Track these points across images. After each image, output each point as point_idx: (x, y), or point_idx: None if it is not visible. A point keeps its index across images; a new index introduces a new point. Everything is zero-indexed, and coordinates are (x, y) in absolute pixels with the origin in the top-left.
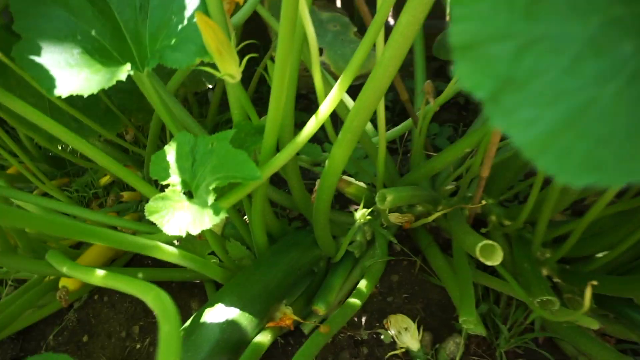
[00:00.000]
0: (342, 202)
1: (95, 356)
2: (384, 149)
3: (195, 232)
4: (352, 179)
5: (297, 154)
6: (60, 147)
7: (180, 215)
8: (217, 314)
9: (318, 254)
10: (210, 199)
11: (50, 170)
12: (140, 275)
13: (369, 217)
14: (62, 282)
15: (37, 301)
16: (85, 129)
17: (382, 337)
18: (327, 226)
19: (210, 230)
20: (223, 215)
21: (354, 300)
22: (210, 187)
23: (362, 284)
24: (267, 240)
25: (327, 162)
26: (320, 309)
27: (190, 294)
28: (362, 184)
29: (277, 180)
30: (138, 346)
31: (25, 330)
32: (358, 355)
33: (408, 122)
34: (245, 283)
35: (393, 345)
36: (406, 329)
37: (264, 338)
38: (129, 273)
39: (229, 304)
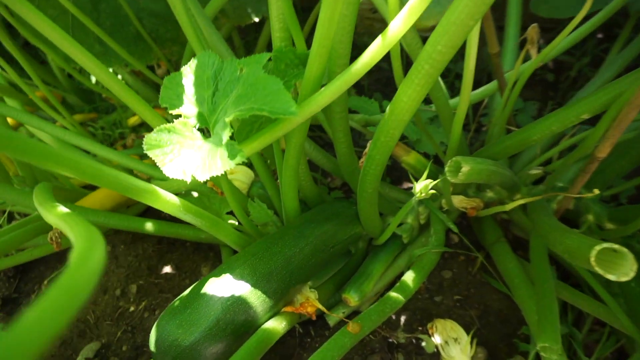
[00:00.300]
0: (395, 177)
1: (85, 310)
2: (467, 101)
3: (202, 177)
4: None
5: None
6: (93, 81)
7: (188, 155)
8: (222, 286)
9: (358, 231)
10: (227, 135)
11: (79, 104)
12: (147, 225)
13: (431, 191)
14: None
15: (32, 238)
16: (111, 55)
17: (424, 344)
18: (375, 199)
19: (230, 184)
20: (240, 159)
21: (395, 295)
22: (228, 119)
23: (408, 276)
24: (298, 206)
25: (387, 110)
26: (352, 298)
27: (204, 258)
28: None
29: (321, 144)
30: (132, 309)
31: (24, 269)
32: None
33: (488, 88)
34: (262, 253)
35: (436, 356)
36: (456, 339)
37: (277, 324)
38: (134, 222)
39: (239, 276)
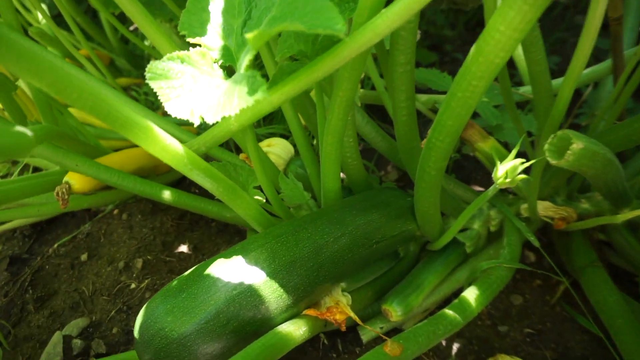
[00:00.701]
0: (463, 172)
1: (84, 281)
2: (578, 73)
3: (213, 117)
4: None
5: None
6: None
7: (200, 92)
8: (231, 271)
9: (411, 229)
10: (247, 60)
11: (127, 68)
12: (165, 193)
13: (520, 176)
14: (68, 177)
15: (43, 192)
16: (156, 5)
17: None
18: (438, 185)
19: (260, 151)
20: (262, 94)
21: (451, 314)
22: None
23: (471, 293)
24: (340, 186)
25: (472, 51)
26: (394, 311)
27: (227, 241)
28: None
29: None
30: (132, 285)
31: (42, 230)
32: None
33: (597, 70)
34: (287, 237)
35: None
36: None
37: (294, 329)
38: (150, 187)
39: (254, 261)
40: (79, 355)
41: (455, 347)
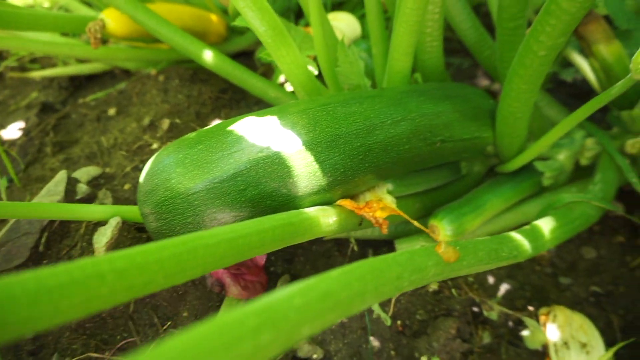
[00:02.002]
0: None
1: (107, 135)
2: None
3: None
4: None
5: None
6: None
7: None
8: (261, 131)
9: (486, 137)
10: None
11: None
12: (207, 54)
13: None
14: (104, 13)
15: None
16: None
17: (525, 332)
18: (537, 86)
19: (324, 17)
20: None
21: (519, 239)
22: None
23: (546, 224)
24: (410, 70)
25: None
26: (443, 229)
27: None
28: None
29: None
30: (154, 145)
31: (79, 85)
32: (469, 338)
33: None
34: (335, 107)
35: (538, 356)
36: (584, 345)
37: (322, 215)
38: (191, 43)
39: (291, 125)
40: (82, 201)
41: (503, 288)
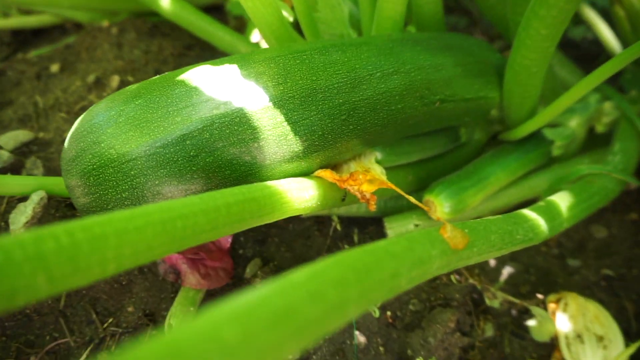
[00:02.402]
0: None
1: (47, 95)
2: None
3: None
4: None
5: None
6: None
7: None
8: (217, 83)
9: (491, 98)
10: None
11: None
12: (168, 1)
13: None
14: None
15: None
16: None
17: (531, 322)
18: (556, 35)
19: None
20: None
21: (534, 218)
22: None
23: (562, 200)
24: (403, 16)
25: None
26: (440, 206)
27: None
28: None
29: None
30: None
31: (24, 40)
32: (469, 332)
33: None
34: (313, 56)
35: (547, 349)
36: (601, 339)
37: (297, 189)
38: None
39: (255, 76)
40: (3, 171)
41: (506, 272)
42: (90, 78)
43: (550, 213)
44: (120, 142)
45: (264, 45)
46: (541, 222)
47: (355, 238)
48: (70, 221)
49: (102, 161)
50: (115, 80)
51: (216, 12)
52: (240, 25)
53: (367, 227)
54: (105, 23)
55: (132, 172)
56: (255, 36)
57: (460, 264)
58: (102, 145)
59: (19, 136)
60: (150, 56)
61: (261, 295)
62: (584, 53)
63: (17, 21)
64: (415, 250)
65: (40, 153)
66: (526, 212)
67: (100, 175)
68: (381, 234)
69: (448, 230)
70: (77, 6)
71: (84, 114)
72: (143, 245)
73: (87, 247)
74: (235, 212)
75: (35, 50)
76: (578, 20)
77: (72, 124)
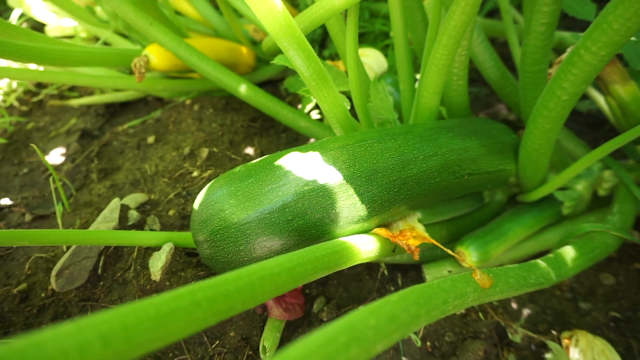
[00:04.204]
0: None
1: (148, 162)
2: None
3: None
4: None
5: None
6: None
7: None
8: (305, 165)
9: (509, 170)
10: None
11: None
12: (242, 87)
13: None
14: (147, 50)
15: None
16: None
17: (549, 356)
18: (559, 125)
19: (358, 58)
20: None
21: (545, 267)
22: None
23: (568, 252)
24: (438, 107)
25: None
26: (469, 255)
27: None
28: None
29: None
30: (195, 173)
31: (115, 112)
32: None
33: None
34: (372, 144)
35: None
36: None
37: (362, 244)
38: (227, 76)
39: (332, 160)
40: (134, 227)
41: (526, 312)
42: (186, 150)
43: (558, 263)
44: (240, 210)
45: (314, 115)
46: (550, 270)
47: (400, 281)
48: (196, 267)
49: (227, 224)
50: (205, 151)
51: (271, 85)
52: (294, 99)
53: (408, 272)
54: (187, 100)
55: (248, 232)
56: (307, 107)
57: (487, 299)
58: (226, 212)
59: (137, 198)
60: (225, 128)
61: (376, 304)
62: (593, 120)
63: (110, 97)
64: (457, 287)
65: (153, 211)
66: (538, 261)
67: (225, 234)
68: (420, 279)
69: (478, 274)
70: (166, 89)
71: (208, 187)
72: (276, 286)
73: (258, 284)
74: (326, 261)
75: (126, 120)
76: (584, 95)
77: (173, 187)
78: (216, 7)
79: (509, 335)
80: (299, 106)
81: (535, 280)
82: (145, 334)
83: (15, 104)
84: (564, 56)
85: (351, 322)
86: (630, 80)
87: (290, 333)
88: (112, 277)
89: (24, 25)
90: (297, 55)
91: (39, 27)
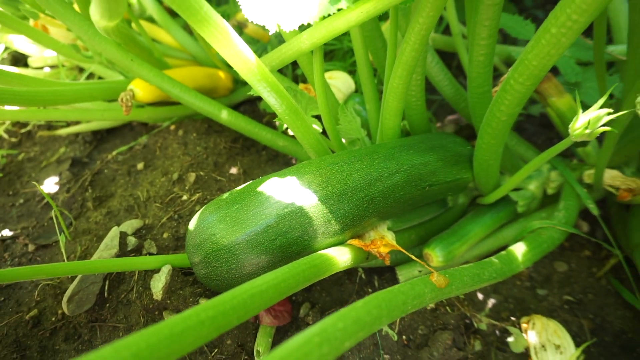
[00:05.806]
0: (524, 135)
1: (139, 187)
2: None
3: (290, 24)
4: None
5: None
6: None
7: None
8: (284, 190)
9: (466, 178)
10: None
11: None
12: (223, 113)
13: (602, 128)
14: (133, 85)
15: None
16: None
17: (510, 339)
18: (502, 140)
19: (326, 83)
20: (345, 3)
21: (497, 263)
22: None
23: (519, 248)
24: (400, 125)
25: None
26: (436, 257)
27: (276, 170)
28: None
29: None
30: (184, 197)
31: (101, 138)
32: (463, 347)
33: None
34: (342, 166)
35: (522, 357)
36: (557, 347)
37: (338, 255)
38: (208, 104)
39: (307, 184)
40: (133, 252)
41: (490, 302)
42: (174, 175)
43: (509, 259)
44: (229, 234)
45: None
46: (503, 266)
47: (376, 283)
48: (192, 285)
49: (218, 246)
50: (192, 176)
51: (249, 104)
52: (272, 117)
53: (384, 274)
54: (172, 126)
55: (237, 252)
56: (284, 126)
57: (445, 296)
58: (218, 236)
59: (133, 224)
60: (209, 150)
61: (344, 310)
62: (545, 121)
63: (97, 124)
64: (415, 289)
65: (148, 235)
66: (491, 259)
67: (217, 255)
68: (394, 279)
69: (435, 276)
70: (150, 117)
71: (200, 213)
72: (264, 301)
73: (249, 301)
74: (307, 274)
75: (113, 146)
76: (534, 100)
77: (165, 211)
78: (191, 33)
79: (475, 324)
80: (278, 123)
81: (488, 276)
82: (164, 350)
83: (5, 135)
84: (503, 78)
85: (323, 326)
86: (565, 93)
87: (280, 337)
88: (117, 298)
89: (6, 56)
90: (271, 96)
91: (21, 57)
